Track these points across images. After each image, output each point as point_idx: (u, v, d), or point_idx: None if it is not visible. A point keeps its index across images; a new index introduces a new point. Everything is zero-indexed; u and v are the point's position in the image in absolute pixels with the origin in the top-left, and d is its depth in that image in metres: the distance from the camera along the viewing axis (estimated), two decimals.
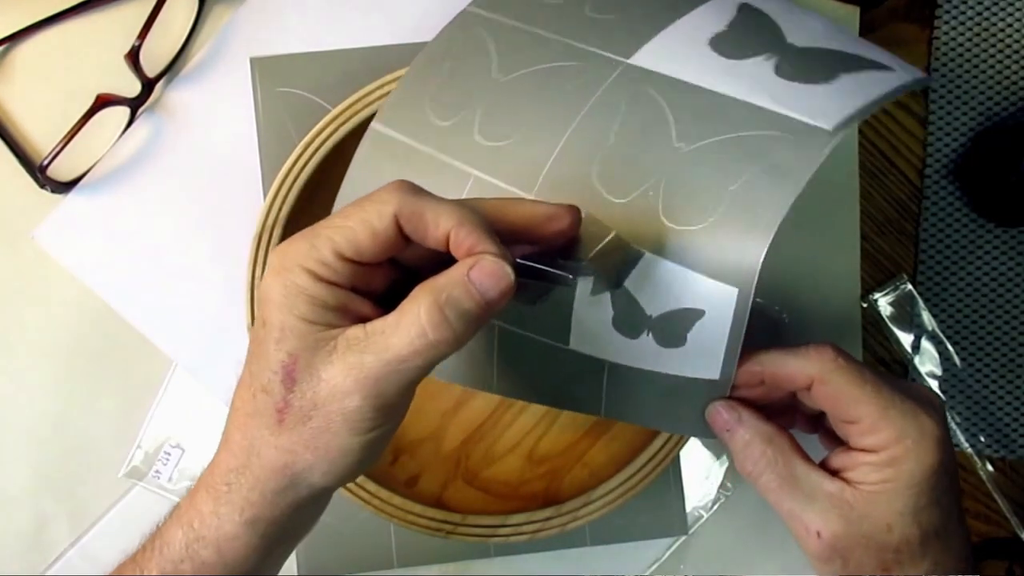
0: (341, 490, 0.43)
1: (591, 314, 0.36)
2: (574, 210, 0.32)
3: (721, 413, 0.35)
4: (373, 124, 0.41)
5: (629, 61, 0.38)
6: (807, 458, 0.34)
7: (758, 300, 0.51)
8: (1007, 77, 0.52)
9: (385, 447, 0.32)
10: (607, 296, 0.35)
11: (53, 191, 0.47)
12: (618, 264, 0.34)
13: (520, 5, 0.42)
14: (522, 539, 0.43)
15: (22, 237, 0.48)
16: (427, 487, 0.45)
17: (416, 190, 0.30)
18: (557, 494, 0.45)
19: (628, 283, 0.35)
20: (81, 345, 0.48)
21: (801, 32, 0.38)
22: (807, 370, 0.34)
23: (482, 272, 0.28)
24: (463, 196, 0.38)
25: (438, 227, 0.29)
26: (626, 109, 0.37)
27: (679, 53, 0.38)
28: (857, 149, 0.51)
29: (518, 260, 0.31)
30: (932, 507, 0.33)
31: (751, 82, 0.36)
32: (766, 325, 0.50)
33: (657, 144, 0.35)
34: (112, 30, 0.47)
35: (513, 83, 0.40)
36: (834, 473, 0.34)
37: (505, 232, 0.31)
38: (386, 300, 0.30)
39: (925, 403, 0.34)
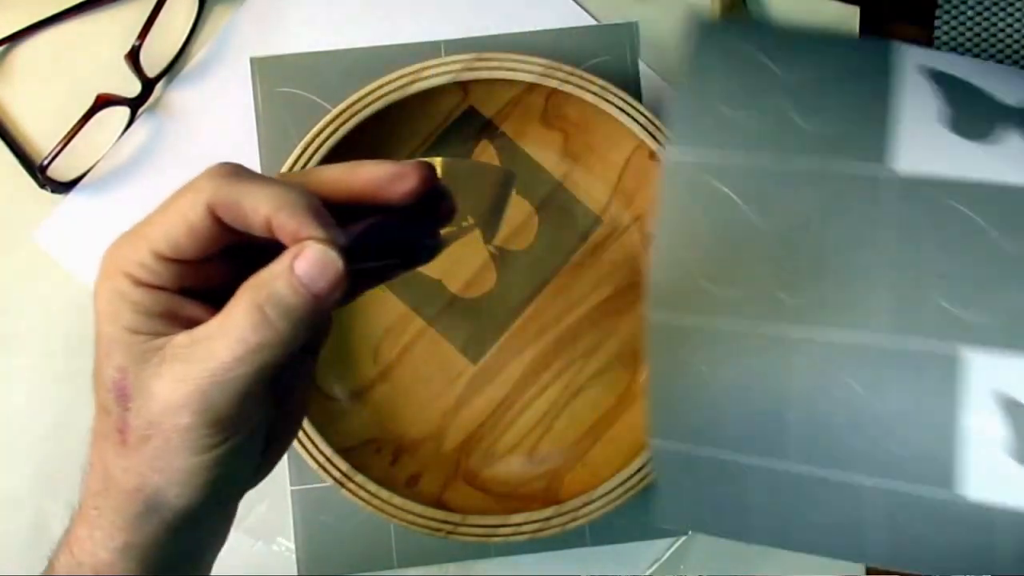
0: (341, 490, 0.42)
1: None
2: (423, 166, 0.28)
3: None
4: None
5: (891, 168, 0.36)
6: None
7: None
8: None
9: (253, 459, 0.29)
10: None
11: (53, 191, 0.47)
12: (494, 201, 0.32)
13: (718, 132, 0.39)
14: (522, 539, 0.43)
15: (22, 237, 0.48)
16: (427, 487, 0.45)
17: (236, 173, 0.26)
18: (557, 494, 0.45)
19: None
20: (81, 345, 0.47)
21: (1005, 87, 0.36)
22: None
23: (306, 261, 0.25)
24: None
25: (257, 213, 0.25)
26: (928, 224, 0.34)
27: (930, 147, 0.36)
28: None
29: (359, 231, 0.27)
30: None
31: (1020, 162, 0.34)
32: None
33: (986, 253, 0.33)
34: (112, 30, 0.47)
35: (786, 231, 0.37)
36: None
37: (349, 201, 0.27)
38: (227, 297, 0.27)
39: None
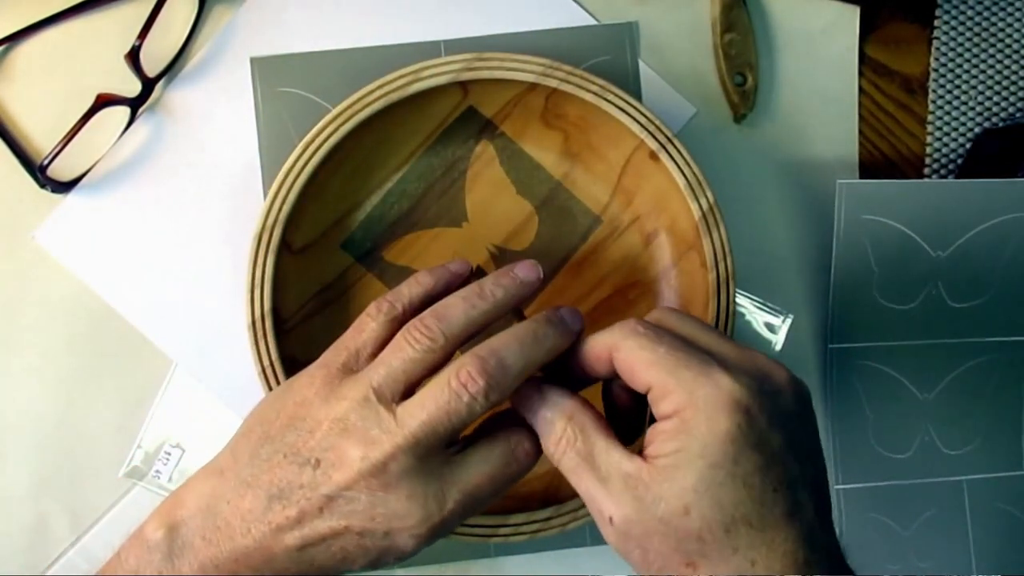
0: None
1: None
2: None
3: (522, 391, 0.34)
4: None
5: None
6: (610, 436, 0.32)
7: (757, 299, 0.51)
8: (1007, 77, 0.52)
9: None
10: None
11: (53, 191, 0.47)
12: None
13: (874, 327, 0.49)
14: (522, 539, 0.43)
15: (22, 237, 0.48)
16: None
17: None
18: (557, 494, 0.45)
19: None
20: (81, 345, 0.48)
21: None
22: (606, 341, 0.32)
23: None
24: None
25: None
26: None
27: None
28: (857, 150, 0.51)
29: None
30: (735, 485, 0.29)
31: None
32: (767, 326, 0.50)
33: None
34: (112, 30, 0.47)
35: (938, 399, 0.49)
36: (641, 453, 0.31)
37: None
38: None
39: (739, 369, 0.30)
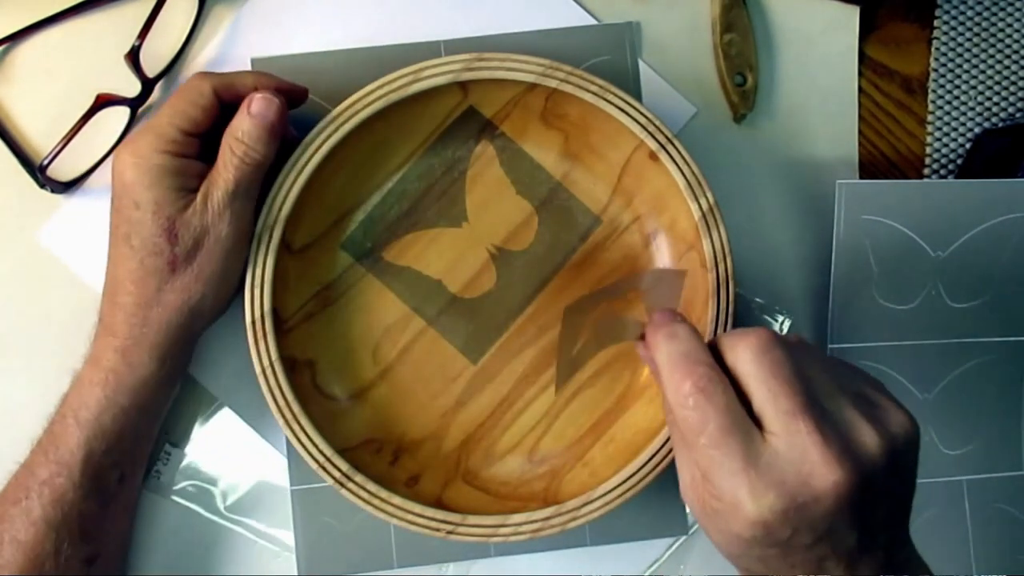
0: (341, 490, 0.42)
1: None
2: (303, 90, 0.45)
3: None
4: None
5: None
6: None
7: (758, 300, 0.51)
8: (1007, 77, 0.52)
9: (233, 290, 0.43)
10: None
11: (53, 191, 0.47)
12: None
13: (874, 327, 0.49)
14: (522, 539, 0.43)
15: (22, 237, 0.48)
16: (427, 487, 0.45)
17: (212, 73, 0.42)
18: (557, 494, 0.45)
19: None
20: (82, 345, 0.48)
21: None
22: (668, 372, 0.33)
23: (256, 103, 0.40)
24: None
25: (246, 86, 0.41)
26: None
27: None
28: (857, 150, 0.51)
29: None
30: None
31: None
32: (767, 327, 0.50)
33: None
34: (112, 30, 0.48)
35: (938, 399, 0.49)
36: None
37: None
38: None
39: (773, 472, 0.30)
